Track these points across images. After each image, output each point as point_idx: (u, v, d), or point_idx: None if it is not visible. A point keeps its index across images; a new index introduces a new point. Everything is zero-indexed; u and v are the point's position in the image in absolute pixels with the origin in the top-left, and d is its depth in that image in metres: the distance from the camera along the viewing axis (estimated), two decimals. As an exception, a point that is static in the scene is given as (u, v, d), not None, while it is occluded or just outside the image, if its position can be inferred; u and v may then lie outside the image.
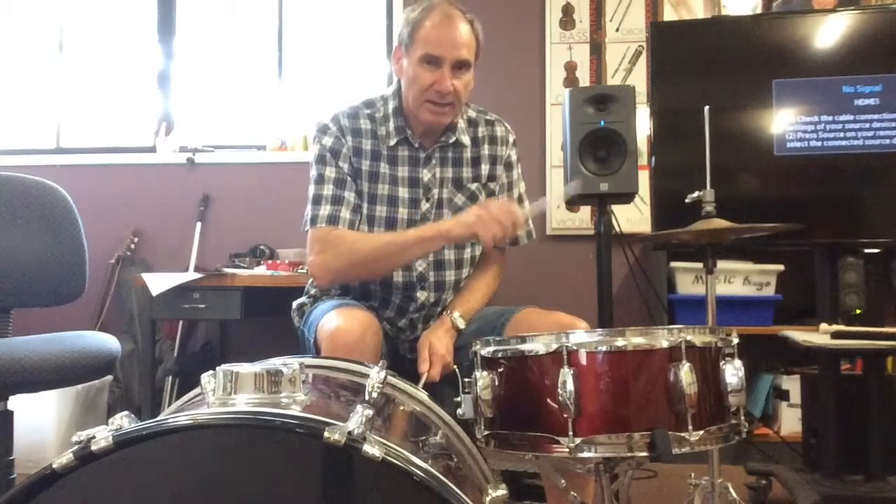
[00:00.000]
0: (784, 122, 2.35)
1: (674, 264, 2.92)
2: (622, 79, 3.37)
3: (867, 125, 2.30)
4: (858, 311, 2.28)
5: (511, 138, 1.95)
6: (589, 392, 1.07)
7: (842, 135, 2.31)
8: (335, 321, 1.61)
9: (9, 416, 1.81)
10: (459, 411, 1.20)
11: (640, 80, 3.24)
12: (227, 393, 0.89)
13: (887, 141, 2.30)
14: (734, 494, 1.80)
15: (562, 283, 3.23)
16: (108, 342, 1.90)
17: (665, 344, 1.09)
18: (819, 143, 2.32)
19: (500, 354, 1.16)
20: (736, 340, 1.18)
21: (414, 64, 1.74)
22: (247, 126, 3.71)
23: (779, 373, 3.00)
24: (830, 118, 2.32)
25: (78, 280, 2.12)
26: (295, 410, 0.85)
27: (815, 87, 2.35)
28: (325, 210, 1.77)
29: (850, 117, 2.31)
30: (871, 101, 2.30)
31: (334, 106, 1.88)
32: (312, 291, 1.95)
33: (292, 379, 0.91)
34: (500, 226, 1.60)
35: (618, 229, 2.21)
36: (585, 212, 3.32)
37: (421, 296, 1.83)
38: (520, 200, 1.96)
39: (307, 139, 3.50)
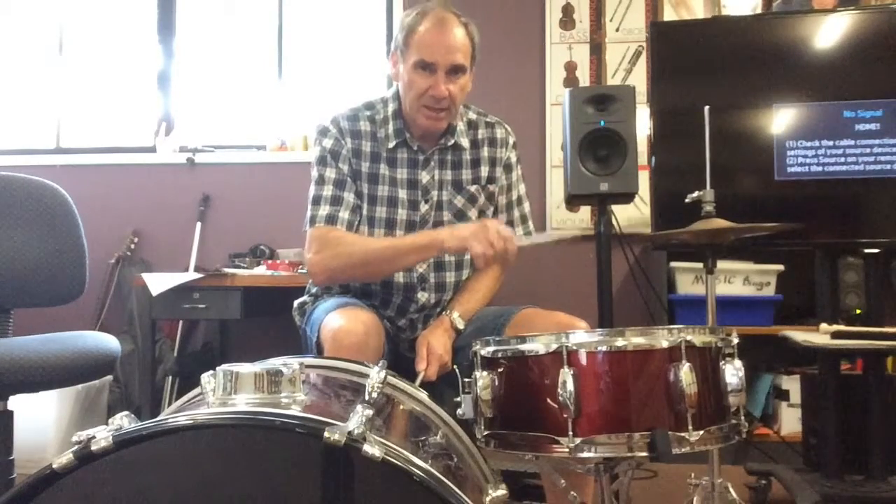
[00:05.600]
0: (784, 146, 2.35)
1: (674, 264, 2.92)
2: (622, 79, 3.37)
3: (868, 150, 2.30)
4: (858, 311, 2.28)
5: (511, 140, 1.95)
6: (589, 392, 1.07)
7: (842, 159, 2.31)
8: (338, 321, 1.61)
9: (9, 416, 1.81)
10: (459, 411, 1.20)
11: (640, 80, 3.24)
12: (227, 393, 0.89)
13: (888, 166, 2.30)
14: (734, 494, 1.80)
15: (562, 283, 3.23)
16: (108, 342, 1.90)
17: (665, 344, 1.09)
18: (819, 168, 2.32)
19: (499, 354, 1.16)
20: (736, 340, 1.18)
21: (409, 69, 1.75)
22: (247, 126, 3.71)
23: (779, 373, 3.00)
24: (831, 143, 2.32)
25: (78, 280, 2.12)
26: (295, 410, 0.85)
27: (816, 111, 2.34)
28: (324, 210, 1.78)
29: (851, 142, 2.31)
30: (872, 126, 2.30)
31: (334, 106, 1.89)
32: (314, 290, 1.95)
33: (292, 379, 0.91)
34: (494, 248, 1.59)
35: (618, 229, 2.22)
36: (585, 212, 3.32)
37: (421, 297, 1.83)
38: (519, 202, 1.96)
39: (307, 139, 3.50)
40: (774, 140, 2.37)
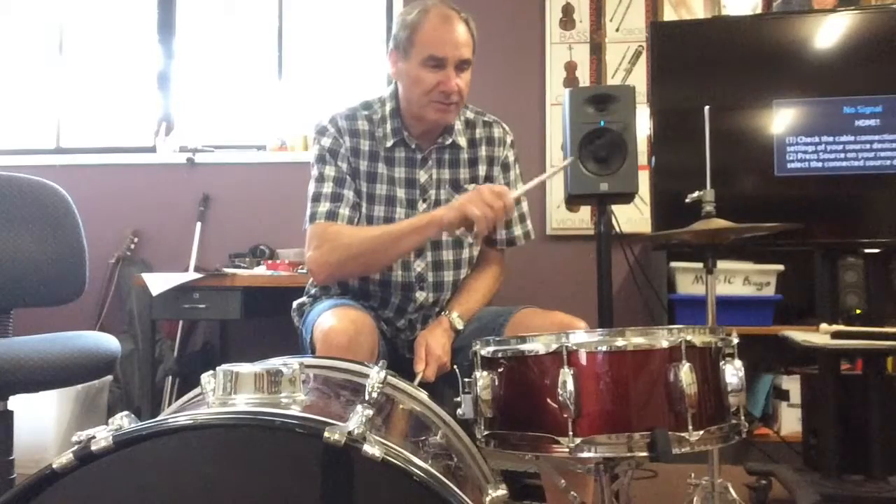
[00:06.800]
0: (784, 142, 2.35)
1: (674, 264, 2.92)
2: (622, 79, 3.37)
3: (868, 146, 2.30)
4: (858, 311, 2.28)
5: (509, 139, 1.95)
6: (589, 392, 1.07)
7: (842, 155, 2.31)
8: (330, 321, 1.61)
9: (9, 416, 1.80)
10: (459, 411, 1.20)
11: (640, 80, 3.24)
12: (227, 393, 0.89)
13: (888, 162, 2.30)
14: (734, 494, 1.80)
15: (562, 283, 3.23)
16: (108, 342, 1.90)
17: (665, 344, 1.09)
18: (820, 164, 2.32)
19: (499, 354, 1.16)
20: (736, 340, 1.18)
21: (416, 66, 1.74)
22: (247, 126, 3.71)
23: (779, 373, 3.00)
24: (831, 138, 2.32)
25: (78, 280, 2.12)
26: (295, 410, 0.85)
27: (816, 106, 2.34)
28: (324, 207, 1.78)
29: (851, 138, 2.31)
30: (872, 122, 2.31)
31: (334, 106, 1.89)
32: (313, 291, 1.95)
33: (292, 379, 0.91)
34: (492, 208, 1.58)
35: (618, 229, 2.22)
36: (585, 212, 3.32)
37: (420, 296, 1.83)
38: (517, 201, 1.95)
39: (307, 139, 3.50)
40: (774, 136, 2.37)
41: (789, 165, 2.34)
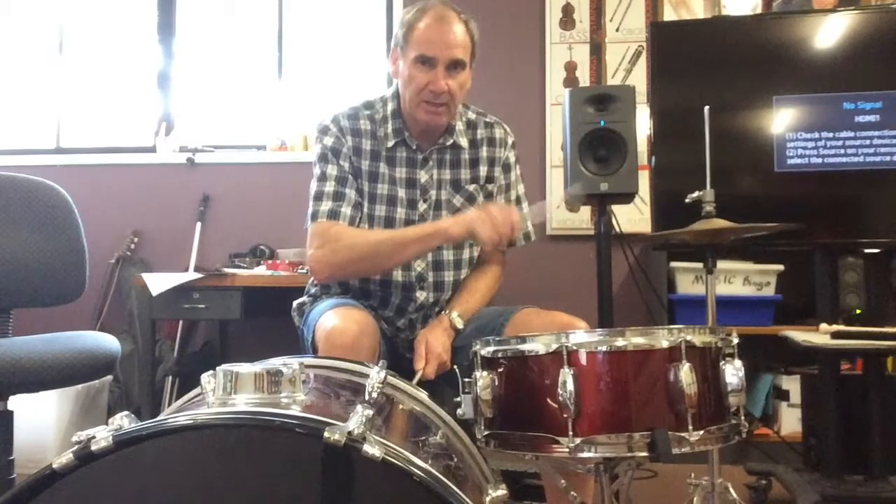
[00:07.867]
0: (784, 138, 2.35)
1: (674, 264, 2.92)
2: (622, 79, 3.37)
3: (867, 142, 2.30)
4: (858, 311, 2.28)
5: (510, 140, 1.95)
6: (589, 392, 1.07)
7: (842, 151, 2.32)
8: (332, 321, 1.61)
9: (9, 416, 1.81)
10: (459, 411, 1.20)
11: (640, 80, 3.24)
12: (227, 393, 0.88)
13: (888, 157, 2.30)
14: (734, 494, 1.80)
15: (562, 283, 3.23)
16: (108, 342, 1.90)
17: (665, 344, 1.09)
18: (819, 160, 2.32)
19: (500, 354, 1.16)
20: (736, 340, 1.18)
21: (409, 65, 1.75)
22: (247, 126, 3.71)
23: (779, 373, 3.00)
24: (831, 134, 2.32)
25: (78, 280, 2.12)
26: (295, 410, 0.85)
27: (816, 103, 2.35)
28: (327, 206, 1.78)
29: (851, 134, 2.31)
30: (872, 118, 2.31)
31: (334, 106, 1.89)
32: (313, 291, 1.95)
33: (292, 379, 0.91)
34: (498, 229, 1.60)
35: (618, 229, 2.22)
36: (585, 212, 3.32)
37: (420, 296, 1.83)
38: (518, 202, 1.96)
39: (307, 139, 3.50)
40: (774, 132, 2.37)
41: (789, 161, 2.34)
